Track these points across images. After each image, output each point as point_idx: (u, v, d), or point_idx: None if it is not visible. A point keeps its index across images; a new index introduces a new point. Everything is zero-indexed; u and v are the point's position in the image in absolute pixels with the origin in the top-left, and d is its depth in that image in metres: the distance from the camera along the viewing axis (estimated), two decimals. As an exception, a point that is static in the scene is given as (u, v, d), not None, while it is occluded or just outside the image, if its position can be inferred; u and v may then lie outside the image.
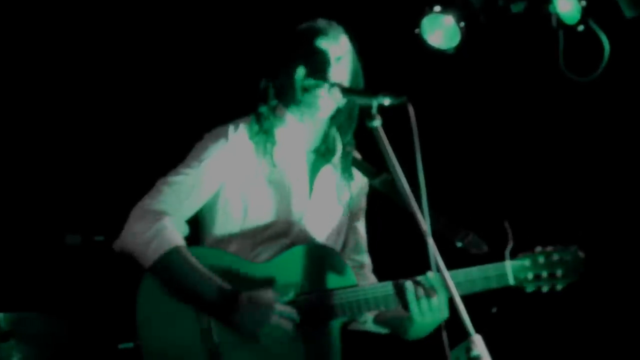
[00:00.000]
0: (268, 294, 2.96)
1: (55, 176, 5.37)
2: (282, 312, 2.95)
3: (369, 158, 3.35)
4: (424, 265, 2.95)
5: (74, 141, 5.36)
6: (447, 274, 2.63)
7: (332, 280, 3.10)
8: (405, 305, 3.02)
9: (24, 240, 5.26)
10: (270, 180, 3.18)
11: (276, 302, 2.95)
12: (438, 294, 2.97)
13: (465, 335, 2.52)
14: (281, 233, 3.17)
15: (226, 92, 4.89)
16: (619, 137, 4.74)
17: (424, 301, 2.98)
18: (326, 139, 3.29)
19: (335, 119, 3.26)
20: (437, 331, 2.58)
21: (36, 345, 4.71)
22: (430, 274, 2.98)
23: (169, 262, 2.98)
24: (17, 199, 5.31)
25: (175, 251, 2.99)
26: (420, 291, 2.98)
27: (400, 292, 3.02)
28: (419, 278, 3.01)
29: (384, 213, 3.60)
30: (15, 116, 5.29)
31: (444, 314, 2.98)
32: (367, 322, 3.30)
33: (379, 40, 4.57)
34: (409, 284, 3.01)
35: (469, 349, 2.50)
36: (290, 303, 3.03)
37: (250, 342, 2.96)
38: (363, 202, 3.44)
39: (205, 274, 2.97)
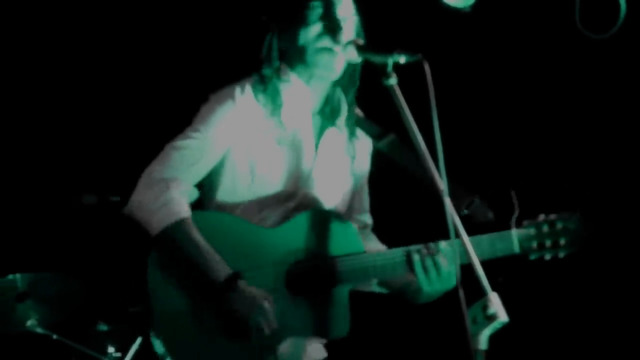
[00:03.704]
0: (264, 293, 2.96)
1: (72, 135, 5.40)
2: (269, 310, 2.93)
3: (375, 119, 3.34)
4: (433, 228, 2.94)
5: (92, 103, 5.40)
6: (464, 234, 2.60)
7: (339, 247, 3.08)
8: (413, 274, 3.01)
9: (41, 201, 5.30)
10: (278, 141, 3.15)
11: (267, 299, 2.94)
12: (449, 263, 2.97)
13: (482, 293, 2.51)
14: (287, 196, 3.15)
15: (233, 52, 4.88)
16: (635, 95, 4.72)
17: (432, 272, 2.98)
18: (330, 100, 3.26)
19: (338, 80, 3.21)
20: (454, 290, 2.57)
21: (53, 306, 4.76)
22: (442, 244, 2.97)
23: (173, 234, 2.97)
24: (35, 156, 5.35)
25: (179, 224, 2.97)
26: (429, 261, 2.98)
27: (410, 263, 3.01)
28: (431, 245, 3.00)
29: (393, 176, 3.59)
30: (37, 80, 5.32)
31: (452, 282, 2.97)
32: (372, 284, 3.29)
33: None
34: (416, 256, 3.00)
35: (485, 307, 2.49)
36: (296, 269, 3.03)
37: (239, 327, 2.93)
38: (367, 163, 3.41)
39: (206, 251, 2.95)
